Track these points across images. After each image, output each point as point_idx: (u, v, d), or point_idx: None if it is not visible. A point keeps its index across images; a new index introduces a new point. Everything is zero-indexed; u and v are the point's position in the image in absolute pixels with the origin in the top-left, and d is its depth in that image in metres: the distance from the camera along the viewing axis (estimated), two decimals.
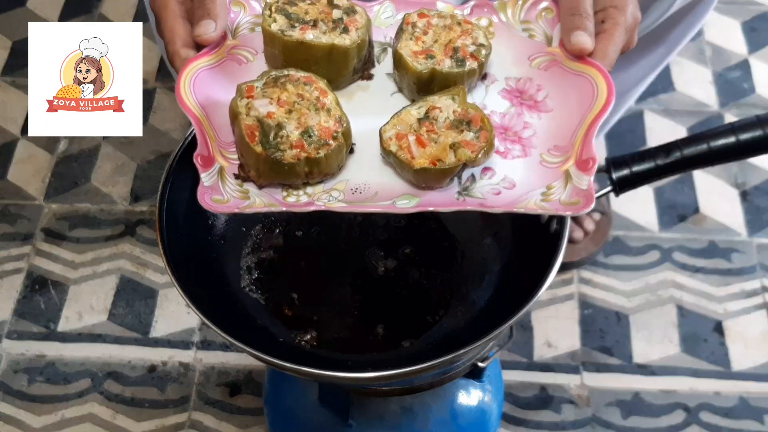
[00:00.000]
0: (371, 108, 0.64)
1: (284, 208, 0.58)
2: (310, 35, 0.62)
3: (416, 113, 0.61)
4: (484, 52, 0.63)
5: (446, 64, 0.62)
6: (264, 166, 0.58)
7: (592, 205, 0.56)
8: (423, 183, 0.60)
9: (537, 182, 0.60)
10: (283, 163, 0.57)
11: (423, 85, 0.63)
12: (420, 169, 0.58)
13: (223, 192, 0.58)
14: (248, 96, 0.60)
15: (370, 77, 0.66)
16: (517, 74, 0.66)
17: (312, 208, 0.58)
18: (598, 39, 0.62)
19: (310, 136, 0.58)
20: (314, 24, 0.62)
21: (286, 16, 0.62)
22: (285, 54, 0.62)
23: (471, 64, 0.63)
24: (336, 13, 0.63)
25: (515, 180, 0.60)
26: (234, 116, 0.59)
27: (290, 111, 0.59)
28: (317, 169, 0.59)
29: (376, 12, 0.68)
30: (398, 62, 0.64)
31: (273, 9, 0.63)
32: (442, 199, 0.59)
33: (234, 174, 0.59)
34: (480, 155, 0.58)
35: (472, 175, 0.61)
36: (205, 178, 0.57)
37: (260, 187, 0.59)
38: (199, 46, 0.62)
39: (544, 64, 0.65)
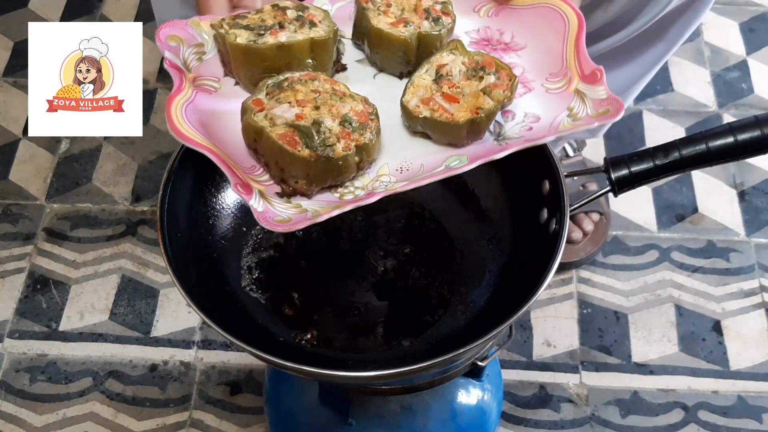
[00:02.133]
0: (363, 94, 0.63)
1: (352, 206, 0.56)
2: (284, 37, 0.60)
3: (428, 76, 0.61)
4: (450, 7, 0.64)
5: (425, 26, 0.63)
6: (315, 168, 0.55)
7: (623, 109, 0.57)
8: (467, 138, 0.60)
9: (556, 109, 0.61)
10: (336, 159, 0.55)
11: (412, 53, 0.63)
12: (467, 121, 0.58)
13: (277, 212, 0.55)
14: (260, 109, 0.57)
15: (344, 68, 0.66)
16: (474, 26, 0.67)
17: (376, 198, 0.56)
18: None
19: (350, 124, 0.57)
20: (281, 26, 0.61)
21: (245, 29, 0.60)
22: (265, 64, 0.60)
23: (446, 20, 0.64)
24: (291, 14, 0.62)
25: (537, 113, 0.61)
26: (257, 133, 0.57)
27: (316, 107, 0.57)
28: (366, 156, 0.57)
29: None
30: (378, 39, 0.63)
31: (226, 27, 0.61)
32: (487, 150, 0.59)
33: (277, 194, 0.57)
34: (512, 92, 0.59)
35: (497, 122, 0.61)
36: (255, 204, 0.55)
37: (310, 196, 0.57)
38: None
39: (491, 11, 0.67)
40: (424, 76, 0.61)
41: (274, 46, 0.60)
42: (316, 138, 0.56)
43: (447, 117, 0.58)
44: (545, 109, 0.61)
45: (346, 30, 0.67)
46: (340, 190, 0.58)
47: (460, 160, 0.58)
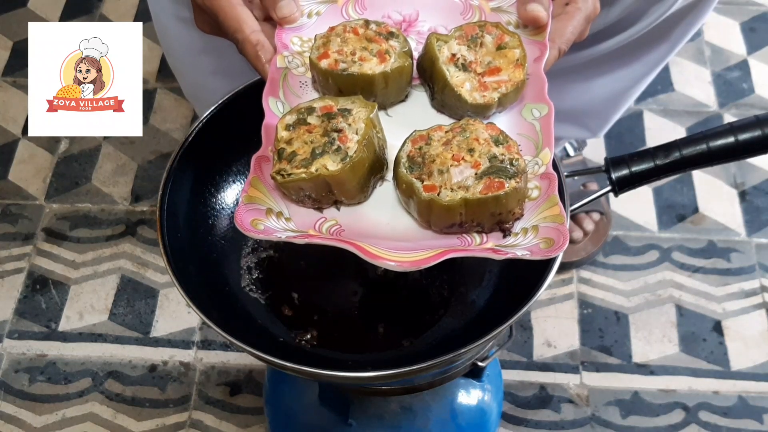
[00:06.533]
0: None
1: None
2: (355, 136, 0.56)
3: (455, 72, 0.60)
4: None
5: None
6: (523, 190, 0.55)
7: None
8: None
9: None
10: (524, 168, 0.55)
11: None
12: (525, 75, 0.59)
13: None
14: (438, 191, 0.54)
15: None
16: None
17: None
18: (558, 19, 0.63)
19: (498, 139, 0.56)
20: (338, 130, 0.57)
21: (318, 157, 0.55)
22: (369, 166, 0.57)
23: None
24: (314, 120, 0.58)
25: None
26: (462, 206, 0.54)
27: (470, 150, 0.55)
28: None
29: None
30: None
31: (297, 170, 0.55)
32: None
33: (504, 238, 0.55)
34: (512, 34, 0.62)
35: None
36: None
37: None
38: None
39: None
40: (453, 75, 0.60)
41: (362, 145, 0.55)
42: (506, 165, 0.54)
43: (512, 83, 0.59)
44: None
45: None
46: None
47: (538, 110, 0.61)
